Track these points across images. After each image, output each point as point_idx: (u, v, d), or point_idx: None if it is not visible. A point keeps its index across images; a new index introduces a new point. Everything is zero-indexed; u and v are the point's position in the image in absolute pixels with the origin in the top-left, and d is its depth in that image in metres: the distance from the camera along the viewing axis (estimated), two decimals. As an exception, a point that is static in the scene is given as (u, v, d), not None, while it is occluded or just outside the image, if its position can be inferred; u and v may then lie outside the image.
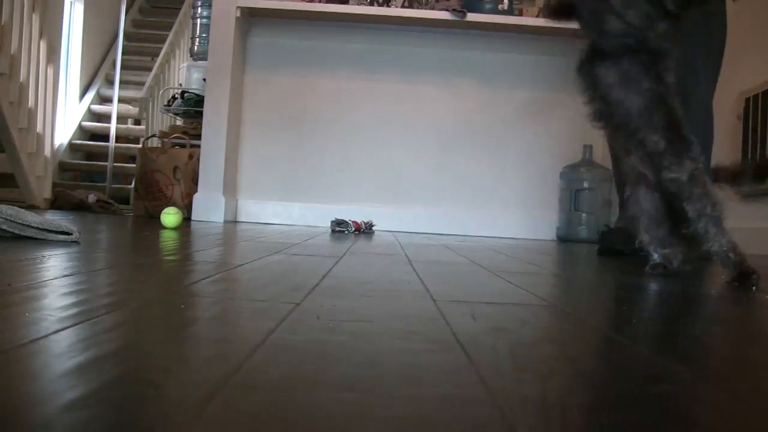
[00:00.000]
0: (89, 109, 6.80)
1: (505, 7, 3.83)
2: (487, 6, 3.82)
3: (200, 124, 3.92)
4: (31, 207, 4.17)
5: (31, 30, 4.73)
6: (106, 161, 5.76)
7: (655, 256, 1.44)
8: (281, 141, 4.03)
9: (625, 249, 2.28)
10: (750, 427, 0.41)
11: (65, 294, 0.74)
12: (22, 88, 4.60)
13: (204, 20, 4.61)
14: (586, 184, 3.82)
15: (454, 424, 0.37)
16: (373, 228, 3.61)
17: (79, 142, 6.49)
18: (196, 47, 4.73)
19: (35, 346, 0.48)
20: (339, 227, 3.27)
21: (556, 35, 3.92)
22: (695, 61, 2.38)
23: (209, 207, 3.73)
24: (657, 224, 1.41)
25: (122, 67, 5.99)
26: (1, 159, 4.70)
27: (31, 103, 4.76)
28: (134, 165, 4.39)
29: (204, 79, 3.92)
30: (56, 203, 4.75)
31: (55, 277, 0.87)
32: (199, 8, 4.72)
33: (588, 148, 3.87)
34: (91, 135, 6.69)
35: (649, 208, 1.40)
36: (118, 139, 6.06)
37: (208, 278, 1.01)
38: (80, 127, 6.61)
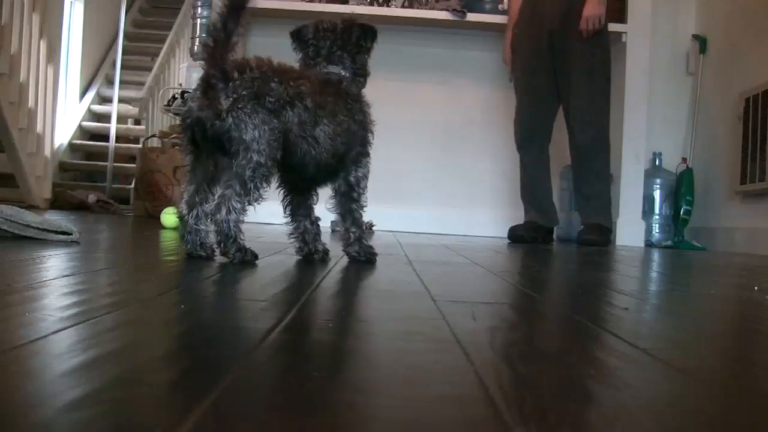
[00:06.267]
0: (89, 109, 6.80)
1: (505, 7, 3.83)
2: (487, 6, 3.82)
3: (200, 124, 3.91)
4: (31, 207, 4.16)
5: (31, 30, 4.73)
6: (106, 161, 5.76)
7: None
8: (281, 141, 4.02)
9: (528, 238, 3.27)
10: (746, 424, 0.41)
11: (65, 294, 0.74)
12: (22, 88, 4.60)
13: (204, 20, 4.59)
14: (586, 184, 3.82)
15: (453, 424, 0.37)
16: (373, 228, 3.61)
17: (79, 142, 6.49)
18: (196, 47, 4.72)
19: (35, 346, 0.48)
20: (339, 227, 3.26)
21: (556, 35, 3.92)
22: (581, 89, 3.09)
23: (209, 207, 3.72)
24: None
25: (122, 67, 5.99)
26: (1, 159, 4.70)
27: (31, 103, 4.76)
28: (134, 165, 4.39)
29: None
30: (56, 203, 4.75)
31: (55, 277, 0.87)
32: (199, 8, 4.71)
33: (588, 148, 3.87)
34: (91, 135, 6.69)
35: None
36: (118, 139, 6.06)
37: (208, 278, 1.01)
38: (80, 127, 6.61)
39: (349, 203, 1.41)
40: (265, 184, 1.20)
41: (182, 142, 1.24)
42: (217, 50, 1.14)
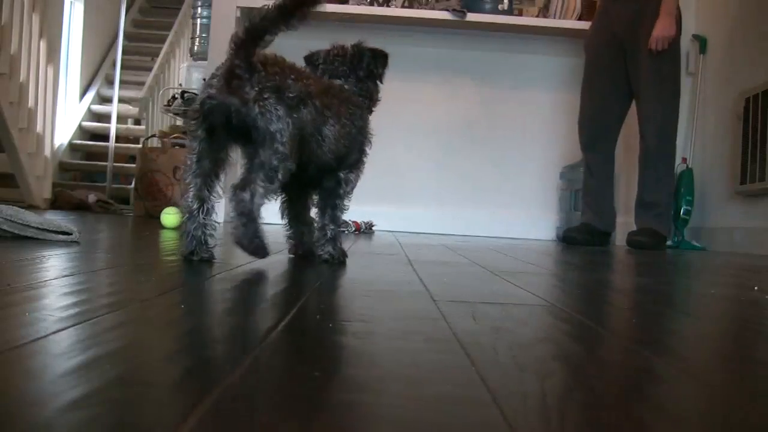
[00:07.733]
0: (89, 109, 6.79)
1: (505, 7, 3.83)
2: (487, 6, 3.82)
3: (200, 124, 3.90)
4: (31, 207, 4.16)
5: (31, 30, 4.73)
6: (106, 161, 5.76)
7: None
8: (281, 141, 4.02)
9: (581, 240, 3.30)
10: (746, 424, 0.41)
11: (65, 294, 0.74)
12: (22, 88, 4.60)
13: (204, 20, 4.61)
14: (586, 184, 3.81)
15: (454, 424, 0.37)
16: (373, 228, 3.61)
17: (79, 142, 6.49)
18: (196, 47, 4.72)
19: (35, 346, 0.48)
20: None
21: (556, 35, 3.92)
22: (650, 97, 3.15)
23: (209, 207, 3.72)
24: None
25: (122, 67, 5.98)
26: (1, 159, 4.70)
27: (31, 103, 4.76)
28: (134, 165, 4.39)
29: (204, 79, 3.91)
30: (56, 203, 4.75)
31: (55, 277, 0.87)
32: (199, 8, 4.72)
33: (588, 148, 3.87)
34: (91, 135, 6.69)
35: None
36: (118, 139, 6.06)
37: (208, 278, 1.01)
38: (80, 127, 6.61)
39: (332, 198, 1.37)
40: (283, 178, 1.15)
41: (194, 128, 1.19)
42: (248, 44, 1.12)
